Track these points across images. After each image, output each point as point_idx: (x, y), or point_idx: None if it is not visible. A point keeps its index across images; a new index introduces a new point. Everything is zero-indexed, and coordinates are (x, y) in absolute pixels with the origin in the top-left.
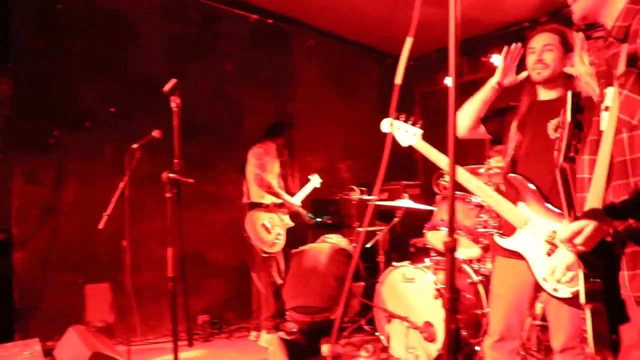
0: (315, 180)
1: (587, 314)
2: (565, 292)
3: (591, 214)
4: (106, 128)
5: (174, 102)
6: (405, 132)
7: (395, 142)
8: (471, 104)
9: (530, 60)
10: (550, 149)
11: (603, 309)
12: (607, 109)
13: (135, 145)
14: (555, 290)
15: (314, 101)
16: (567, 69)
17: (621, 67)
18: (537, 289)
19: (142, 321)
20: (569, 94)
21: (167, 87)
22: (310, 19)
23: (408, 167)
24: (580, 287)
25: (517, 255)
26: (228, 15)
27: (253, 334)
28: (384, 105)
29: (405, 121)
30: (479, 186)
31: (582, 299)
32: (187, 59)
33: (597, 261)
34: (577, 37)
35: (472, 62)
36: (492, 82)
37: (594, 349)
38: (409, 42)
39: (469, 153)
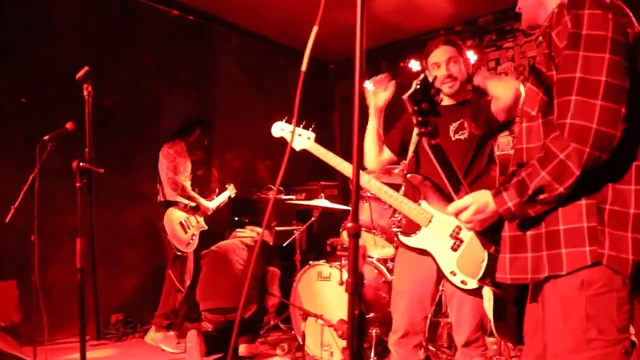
0: (230, 191)
1: (491, 298)
2: (473, 283)
3: (477, 194)
4: (16, 119)
5: (86, 90)
6: (298, 136)
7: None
8: (367, 136)
9: (439, 74)
10: (451, 150)
11: (502, 292)
12: None
13: (46, 137)
14: (463, 282)
15: (234, 100)
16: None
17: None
18: (439, 283)
19: (50, 321)
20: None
21: (79, 74)
22: (232, 17)
23: (326, 168)
24: (483, 265)
25: (422, 252)
26: (147, 8)
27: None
28: (304, 106)
29: (297, 125)
30: (379, 187)
31: (480, 276)
32: (103, 51)
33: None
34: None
35: (391, 67)
36: (371, 109)
37: (496, 331)
38: (314, 30)
39: None
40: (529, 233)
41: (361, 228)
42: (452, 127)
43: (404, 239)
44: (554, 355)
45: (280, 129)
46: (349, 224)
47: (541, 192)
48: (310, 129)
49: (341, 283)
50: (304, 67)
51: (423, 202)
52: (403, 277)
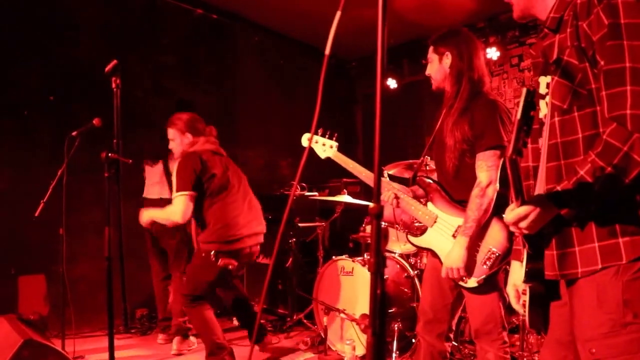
0: None
1: (527, 292)
2: (472, 282)
3: (536, 200)
4: (43, 116)
5: (115, 83)
6: (322, 146)
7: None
8: None
9: None
10: (444, 152)
11: (541, 288)
12: (542, 97)
13: (74, 133)
14: (463, 280)
15: (256, 98)
16: None
17: (554, 56)
18: None
19: (77, 314)
20: (524, 90)
21: (108, 67)
22: (255, 16)
23: None
24: (523, 266)
25: (430, 252)
26: (171, 7)
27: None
28: (325, 103)
29: (323, 135)
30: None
31: (524, 278)
32: (127, 50)
33: (542, 243)
34: None
35: (413, 65)
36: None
37: (529, 322)
38: (338, 15)
39: (408, 153)
40: (574, 228)
41: (382, 208)
42: (449, 127)
43: (412, 239)
44: (587, 341)
45: (307, 139)
46: (372, 205)
47: (607, 187)
48: (334, 138)
49: (364, 264)
50: (327, 51)
51: (429, 204)
52: (426, 267)
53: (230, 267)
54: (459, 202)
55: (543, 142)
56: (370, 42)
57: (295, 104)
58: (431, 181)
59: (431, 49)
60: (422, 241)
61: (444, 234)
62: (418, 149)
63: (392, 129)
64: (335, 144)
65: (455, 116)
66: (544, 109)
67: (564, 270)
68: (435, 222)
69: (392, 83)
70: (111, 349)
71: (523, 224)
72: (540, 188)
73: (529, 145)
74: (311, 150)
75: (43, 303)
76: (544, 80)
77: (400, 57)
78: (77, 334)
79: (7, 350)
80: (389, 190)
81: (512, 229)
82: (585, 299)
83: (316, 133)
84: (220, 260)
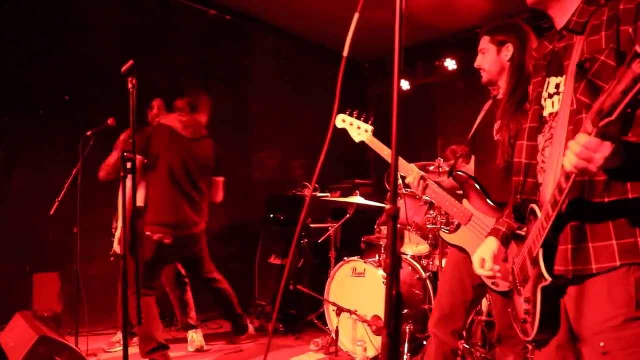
0: None
1: (538, 296)
2: (504, 286)
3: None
4: (59, 116)
5: (131, 84)
6: (357, 129)
7: (337, 141)
8: None
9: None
10: (493, 150)
11: (558, 286)
12: (551, 96)
13: (89, 133)
14: (495, 285)
15: (269, 99)
16: None
17: (576, 57)
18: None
19: (91, 312)
20: None
21: (124, 67)
22: (268, 17)
23: (361, 165)
24: (541, 264)
25: (461, 250)
26: (186, 8)
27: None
28: (339, 105)
29: (358, 118)
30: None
31: (546, 275)
32: (141, 51)
33: (558, 239)
34: None
35: (426, 66)
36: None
37: (539, 329)
38: (356, 17)
39: (421, 155)
40: (592, 223)
41: (399, 209)
42: (497, 125)
43: (444, 235)
44: (596, 335)
45: (342, 120)
46: (388, 206)
47: None
48: (370, 122)
49: (378, 265)
50: (345, 53)
51: (465, 201)
52: (448, 263)
53: (166, 241)
54: (500, 204)
55: (559, 138)
56: (382, 44)
57: (308, 105)
58: (470, 178)
59: (487, 39)
60: (455, 239)
61: (478, 234)
62: (431, 151)
63: (404, 130)
64: (370, 128)
65: (512, 110)
66: (549, 107)
67: (577, 266)
68: (469, 220)
69: (404, 84)
70: (125, 347)
71: (598, 155)
72: (551, 186)
73: (525, 143)
74: (327, 152)
75: (57, 301)
76: (554, 81)
77: (413, 58)
78: (90, 332)
79: (23, 346)
80: (416, 173)
81: (572, 161)
82: (595, 295)
83: (351, 115)
84: (155, 235)
